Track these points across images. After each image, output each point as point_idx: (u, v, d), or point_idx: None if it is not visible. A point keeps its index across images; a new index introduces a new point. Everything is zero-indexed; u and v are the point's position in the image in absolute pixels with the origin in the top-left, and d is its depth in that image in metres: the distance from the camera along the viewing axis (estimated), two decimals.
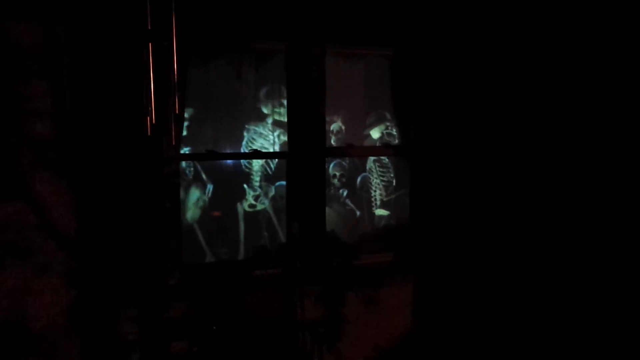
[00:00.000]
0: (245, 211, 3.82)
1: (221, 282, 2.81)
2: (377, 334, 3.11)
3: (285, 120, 3.08)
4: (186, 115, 3.36)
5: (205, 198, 3.75)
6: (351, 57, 3.53)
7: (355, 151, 3.58)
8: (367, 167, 4.03)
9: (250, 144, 3.69)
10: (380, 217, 3.98)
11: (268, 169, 3.83)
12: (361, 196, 4.04)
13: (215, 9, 2.63)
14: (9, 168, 2.29)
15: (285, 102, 3.08)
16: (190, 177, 3.73)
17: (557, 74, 2.76)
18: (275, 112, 3.70)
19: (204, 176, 3.74)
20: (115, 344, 2.55)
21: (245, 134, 3.74)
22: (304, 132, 2.99)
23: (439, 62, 3.11)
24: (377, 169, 3.98)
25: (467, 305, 3.23)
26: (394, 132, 3.82)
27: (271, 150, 3.71)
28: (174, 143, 2.44)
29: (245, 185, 3.79)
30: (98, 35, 2.35)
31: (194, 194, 3.74)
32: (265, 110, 3.77)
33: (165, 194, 2.61)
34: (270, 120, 3.76)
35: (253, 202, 3.82)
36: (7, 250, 2.31)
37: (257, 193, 3.81)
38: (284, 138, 3.58)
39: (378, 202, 4.01)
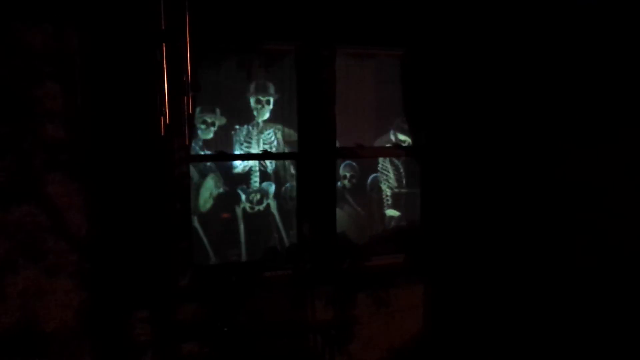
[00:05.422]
0: (251, 213, 3.81)
1: (232, 283, 2.81)
2: (388, 335, 3.09)
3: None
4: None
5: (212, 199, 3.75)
6: (362, 57, 3.51)
7: (366, 152, 3.57)
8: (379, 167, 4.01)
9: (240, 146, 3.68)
10: (391, 217, 3.96)
11: (268, 170, 3.82)
12: (372, 197, 4.02)
13: (227, 9, 2.62)
14: (21, 170, 2.29)
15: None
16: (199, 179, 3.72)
17: (570, 75, 2.74)
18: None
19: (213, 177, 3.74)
20: (127, 345, 2.55)
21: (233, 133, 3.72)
22: (313, 133, 2.97)
23: (450, 62, 3.09)
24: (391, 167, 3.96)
25: (479, 307, 3.20)
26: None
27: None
28: (187, 143, 2.43)
29: (244, 187, 3.77)
30: (111, 35, 2.35)
31: (203, 195, 3.73)
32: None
33: (176, 195, 2.60)
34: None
35: (255, 200, 3.81)
36: (20, 252, 2.31)
37: (259, 193, 3.80)
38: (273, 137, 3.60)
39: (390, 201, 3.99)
